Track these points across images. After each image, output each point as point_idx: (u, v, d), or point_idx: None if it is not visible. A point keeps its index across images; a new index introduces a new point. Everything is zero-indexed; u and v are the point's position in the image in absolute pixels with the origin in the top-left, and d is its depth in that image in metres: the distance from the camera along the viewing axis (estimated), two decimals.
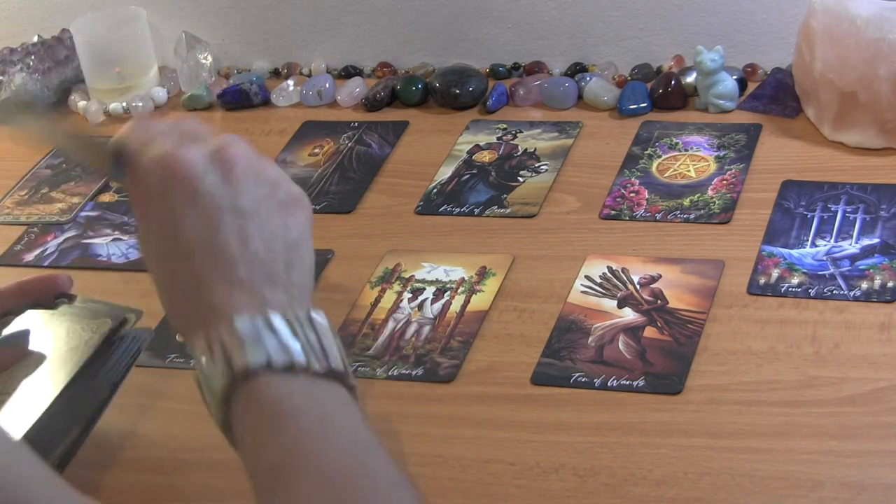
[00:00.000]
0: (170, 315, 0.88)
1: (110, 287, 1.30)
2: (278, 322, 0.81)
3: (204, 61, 1.65)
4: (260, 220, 0.85)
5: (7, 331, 1.08)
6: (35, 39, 1.69)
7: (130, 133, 0.89)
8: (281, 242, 0.85)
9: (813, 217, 1.26)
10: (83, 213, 1.45)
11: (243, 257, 0.84)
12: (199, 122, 0.90)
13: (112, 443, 1.10)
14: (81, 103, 1.64)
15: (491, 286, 1.23)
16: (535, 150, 1.44)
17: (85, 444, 1.06)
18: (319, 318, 0.83)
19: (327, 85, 1.60)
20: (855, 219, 1.25)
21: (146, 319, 1.13)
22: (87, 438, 1.04)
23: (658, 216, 1.30)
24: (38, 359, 1.05)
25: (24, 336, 1.06)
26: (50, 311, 1.10)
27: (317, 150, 1.50)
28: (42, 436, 1.00)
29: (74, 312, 1.09)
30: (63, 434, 1.02)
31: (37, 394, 1.02)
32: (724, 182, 1.33)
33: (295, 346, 0.81)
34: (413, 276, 1.26)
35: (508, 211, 1.35)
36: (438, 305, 1.22)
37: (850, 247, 1.21)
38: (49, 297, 1.09)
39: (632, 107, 1.48)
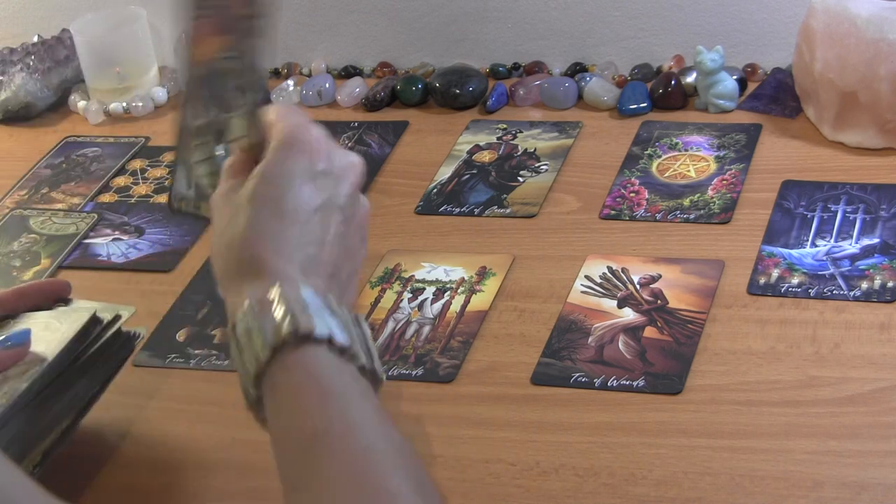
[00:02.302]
0: (223, 258, 0.89)
1: (110, 287, 1.30)
2: (338, 308, 0.85)
3: None
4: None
5: (5, 331, 1.08)
6: (35, 39, 1.69)
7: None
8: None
9: (813, 217, 1.26)
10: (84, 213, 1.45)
11: (326, 248, 0.89)
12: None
13: (110, 441, 1.10)
14: (81, 103, 1.64)
15: (491, 286, 1.23)
16: (535, 150, 1.44)
17: (83, 443, 1.06)
18: (365, 324, 0.87)
19: (327, 85, 1.60)
20: (855, 219, 1.25)
21: (144, 318, 1.12)
22: (73, 434, 1.04)
23: (658, 216, 1.30)
24: (36, 359, 1.05)
25: (25, 336, 1.06)
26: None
27: None
28: (28, 430, 1.00)
29: (62, 310, 1.09)
30: (49, 429, 1.02)
31: (12, 387, 1.02)
32: (724, 182, 1.33)
33: (349, 334, 0.84)
34: (413, 276, 1.26)
35: (508, 211, 1.35)
36: (438, 305, 1.22)
37: (850, 247, 1.21)
38: (48, 302, 1.11)
39: (632, 107, 1.48)
